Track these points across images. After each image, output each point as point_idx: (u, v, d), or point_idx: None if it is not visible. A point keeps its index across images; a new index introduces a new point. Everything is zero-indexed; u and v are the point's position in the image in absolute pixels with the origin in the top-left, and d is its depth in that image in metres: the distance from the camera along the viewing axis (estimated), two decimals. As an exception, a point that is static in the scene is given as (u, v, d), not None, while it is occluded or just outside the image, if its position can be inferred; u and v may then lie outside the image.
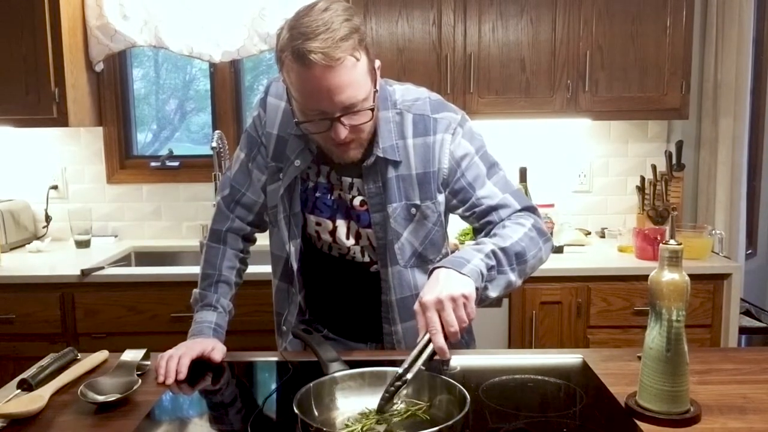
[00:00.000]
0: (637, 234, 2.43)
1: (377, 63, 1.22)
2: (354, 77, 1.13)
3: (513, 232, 1.23)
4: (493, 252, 1.17)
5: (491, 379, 1.21)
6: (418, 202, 1.32)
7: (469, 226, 1.41)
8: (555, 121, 2.75)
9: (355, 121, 1.18)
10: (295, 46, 1.10)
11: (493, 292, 1.18)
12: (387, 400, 1.01)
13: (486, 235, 1.28)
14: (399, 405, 1.04)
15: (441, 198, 1.34)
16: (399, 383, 1.01)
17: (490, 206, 1.30)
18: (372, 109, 1.19)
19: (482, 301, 1.16)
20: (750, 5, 2.62)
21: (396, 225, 1.32)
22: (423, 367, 1.03)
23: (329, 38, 1.09)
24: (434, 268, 1.12)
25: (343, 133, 1.17)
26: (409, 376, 1.01)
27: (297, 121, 1.22)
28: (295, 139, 1.33)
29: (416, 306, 1.08)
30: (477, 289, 1.10)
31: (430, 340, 1.04)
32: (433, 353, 1.03)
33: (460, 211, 1.35)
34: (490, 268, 1.16)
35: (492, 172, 1.33)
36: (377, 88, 1.22)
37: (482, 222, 1.32)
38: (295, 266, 1.39)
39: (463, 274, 1.10)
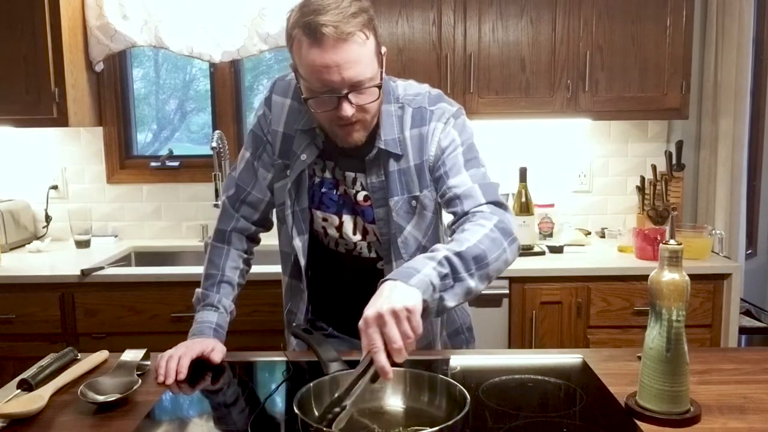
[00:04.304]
0: (637, 234, 2.43)
1: (383, 49, 1.24)
2: (363, 54, 1.16)
3: (471, 235, 1.15)
4: (447, 258, 1.08)
5: (491, 379, 1.21)
6: (417, 192, 1.33)
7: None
8: (555, 121, 2.76)
9: (362, 100, 1.19)
10: (307, 21, 1.13)
11: (450, 302, 1.09)
12: (328, 428, 0.90)
13: (451, 228, 1.27)
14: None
15: (433, 185, 1.35)
16: (338, 410, 0.92)
17: (456, 195, 1.27)
18: (379, 87, 1.20)
19: (440, 312, 1.10)
20: (750, 5, 2.62)
21: (398, 219, 1.33)
22: (366, 392, 0.95)
23: (340, 13, 1.12)
24: (383, 281, 1.05)
25: (350, 110, 1.18)
26: (347, 402, 0.93)
27: (305, 98, 1.23)
28: (301, 135, 1.34)
29: (360, 323, 0.99)
30: (426, 300, 1.02)
31: (372, 360, 0.95)
32: (376, 375, 0.94)
33: (437, 197, 1.35)
34: (443, 277, 1.07)
35: (471, 164, 1.31)
36: (383, 70, 1.23)
37: (449, 211, 1.30)
38: (302, 262, 1.40)
39: (410, 285, 1.01)
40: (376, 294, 1.03)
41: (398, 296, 1.00)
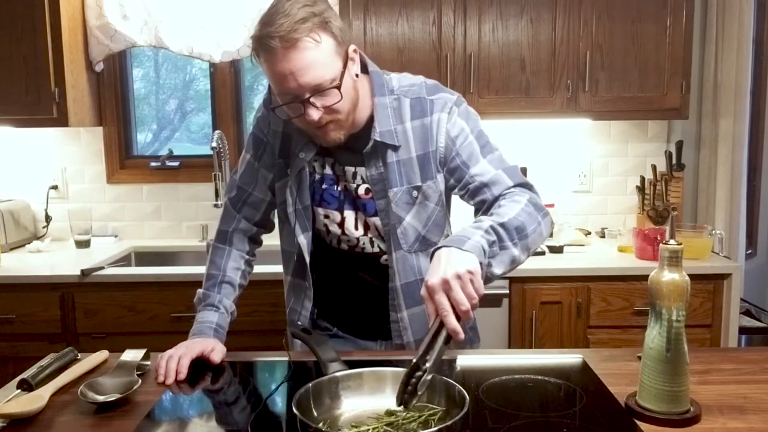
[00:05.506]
0: (637, 234, 2.43)
1: (352, 47, 1.24)
2: (316, 58, 1.16)
3: (510, 209, 1.21)
4: (492, 227, 1.14)
5: (491, 379, 1.21)
6: (419, 183, 1.33)
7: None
8: (555, 121, 2.76)
9: (327, 101, 1.20)
10: (258, 35, 1.16)
11: (497, 269, 1.15)
12: (411, 394, 0.96)
13: (483, 215, 1.28)
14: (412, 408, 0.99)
15: (440, 177, 1.35)
16: (420, 373, 0.96)
17: (483, 183, 1.29)
18: (338, 87, 1.19)
19: (488, 279, 1.14)
20: (750, 5, 2.62)
21: (397, 209, 1.33)
22: (442, 355, 0.99)
23: (286, 22, 1.14)
24: (435, 250, 1.09)
25: (316, 114, 1.19)
26: (428, 365, 0.96)
27: (272, 107, 1.26)
28: (298, 133, 1.34)
29: (422, 291, 1.04)
30: (481, 264, 1.07)
31: (442, 324, 0.99)
32: (449, 336, 0.99)
33: (456, 190, 1.36)
34: (491, 244, 1.12)
35: (486, 150, 1.33)
36: (347, 69, 1.22)
37: (477, 200, 1.32)
38: (307, 259, 1.40)
39: (465, 251, 1.06)
40: (434, 262, 1.06)
41: (458, 261, 1.04)
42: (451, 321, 0.99)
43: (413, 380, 0.96)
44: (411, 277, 1.37)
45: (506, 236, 1.16)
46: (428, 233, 1.37)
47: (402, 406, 0.97)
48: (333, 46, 1.18)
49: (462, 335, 0.99)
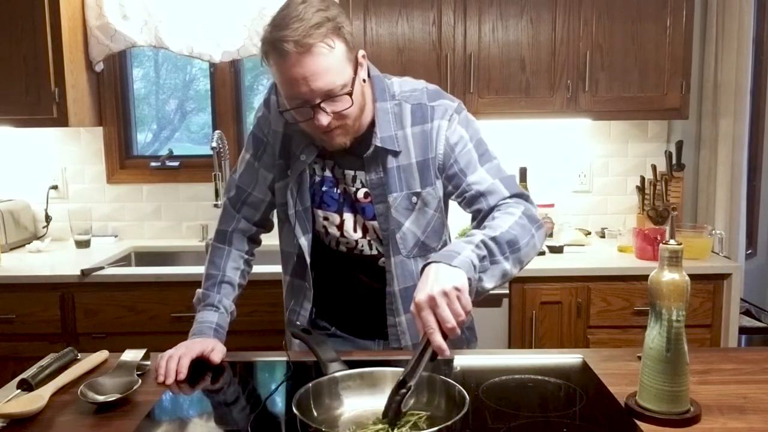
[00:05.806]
0: (637, 234, 2.43)
1: (361, 52, 1.25)
2: (330, 64, 1.16)
3: (503, 222, 1.21)
4: (484, 242, 1.15)
5: (491, 379, 1.21)
6: (419, 189, 1.33)
7: (466, 227, 1.41)
8: (555, 121, 2.76)
9: (337, 107, 1.20)
10: (271, 38, 1.15)
11: (488, 283, 1.16)
12: (396, 412, 0.97)
13: (477, 225, 1.28)
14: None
15: (439, 184, 1.35)
16: (404, 391, 0.98)
17: (479, 192, 1.30)
18: (350, 94, 1.20)
19: (479, 293, 1.14)
20: (750, 5, 2.62)
21: (397, 214, 1.33)
22: (425, 372, 1.01)
23: (300, 27, 1.13)
24: (425, 264, 1.10)
25: (326, 119, 1.20)
26: (412, 382, 0.98)
27: (281, 110, 1.25)
28: (299, 135, 1.34)
29: (411, 307, 1.05)
30: (470, 280, 1.08)
31: (429, 341, 1.01)
32: (435, 354, 1.00)
33: (453, 197, 1.36)
34: (482, 258, 1.13)
35: (485, 159, 1.33)
36: (357, 74, 1.23)
37: (472, 209, 1.32)
38: (308, 260, 1.40)
39: (454, 266, 1.07)
40: (423, 278, 1.07)
41: (445, 277, 1.04)
42: (437, 339, 1.00)
43: (398, 398, 0.98)
44: (409, 282, 1.37)
45: (497, 250, 1.17)
46: (427, 239, 1.38)
47: (390, 424, 0.98)
48: (345, 52, 1.19)
49: (447, 353, 1.00)
